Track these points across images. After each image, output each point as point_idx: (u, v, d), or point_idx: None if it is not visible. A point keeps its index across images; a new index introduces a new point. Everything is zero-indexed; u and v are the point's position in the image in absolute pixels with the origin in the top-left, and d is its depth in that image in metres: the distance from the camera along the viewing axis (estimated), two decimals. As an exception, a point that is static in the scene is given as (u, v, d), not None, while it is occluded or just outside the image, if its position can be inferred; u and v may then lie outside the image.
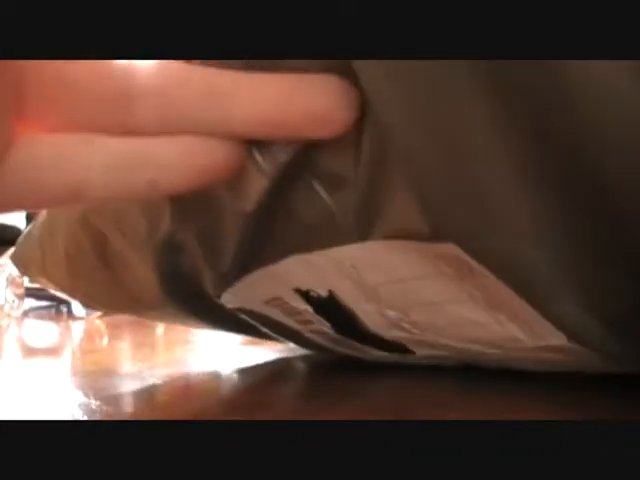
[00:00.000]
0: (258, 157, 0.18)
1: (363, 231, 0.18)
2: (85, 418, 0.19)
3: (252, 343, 0.34)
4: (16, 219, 0.73)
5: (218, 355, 0.32)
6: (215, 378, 0.27)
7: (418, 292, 0.19)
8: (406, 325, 0.21)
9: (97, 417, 0.19)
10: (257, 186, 0.18)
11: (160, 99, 0.16)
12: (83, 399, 0.21)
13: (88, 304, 0.31)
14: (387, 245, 0.18)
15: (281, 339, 0.27)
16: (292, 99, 0.16)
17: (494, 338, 0.19)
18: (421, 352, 0.21)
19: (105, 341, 0.41)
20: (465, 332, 0.20)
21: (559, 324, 0.16)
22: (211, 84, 0.16)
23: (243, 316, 0.25)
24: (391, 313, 0.20)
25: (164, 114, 0.16)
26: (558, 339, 0.17)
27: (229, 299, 0.23)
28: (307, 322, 0.23)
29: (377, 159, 0.17)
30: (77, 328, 0.49)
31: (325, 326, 0.22)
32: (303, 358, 0.27)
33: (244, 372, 0.29)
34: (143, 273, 0.24)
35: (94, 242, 0.25)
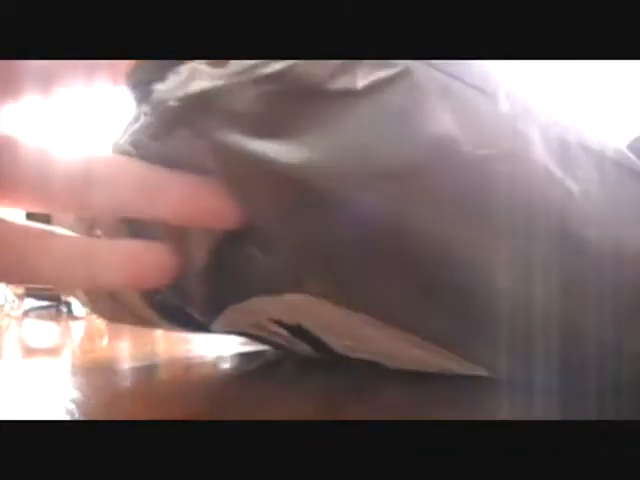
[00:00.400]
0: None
1: (295, 286, 0.21)
2: (85, 418, 0.19)
3: (252, 343, 0.34)
4: (15, 217, 0.73)
5: (218, 355, 0.32)
6: (215, 378, 0.27)
7: (356, 331, 0.21)
8: (361, 351, 0.23)
9: (96, 417, 0.19)
10: (205, 247, 0.21)
11: (107, 189, 0.19)
12: (83, 399, 0.21)
13: (100, 316, 0.32)
14: (314, 300, 0.21)
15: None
16: (197, 198, 0.19)
17: (430, 365, 0.22)
18: (388, 366, 0.23)
19: (105, 341, 0.41)
20: (403, 358, 0.22)
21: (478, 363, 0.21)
22: (145, 181, 0.19)
23: (237, 334, 0.27)
24: (347, 342, 0.23)
25: (109, 200, 0.19)
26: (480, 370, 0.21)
27: (218, 328, 0.25)
28: (290, 341, 0.25)
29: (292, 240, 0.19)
30: (77, 328, 0.49)
31: (304, 345, 0.25)
32: (305, 358, 0.27)
33: (244, 372, 0.28)
34: (140, 303, 0.26)
35: None
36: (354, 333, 0.22)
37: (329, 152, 0.17)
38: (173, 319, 0.26)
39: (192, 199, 0.19)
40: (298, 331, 0.23)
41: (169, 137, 0.19)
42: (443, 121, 0.17)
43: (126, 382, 0.26)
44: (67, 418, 0.19)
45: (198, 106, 0.18)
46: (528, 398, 0.19)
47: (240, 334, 0.27)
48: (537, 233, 0.18)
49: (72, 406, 0.20)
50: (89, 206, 0.19)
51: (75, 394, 0.22)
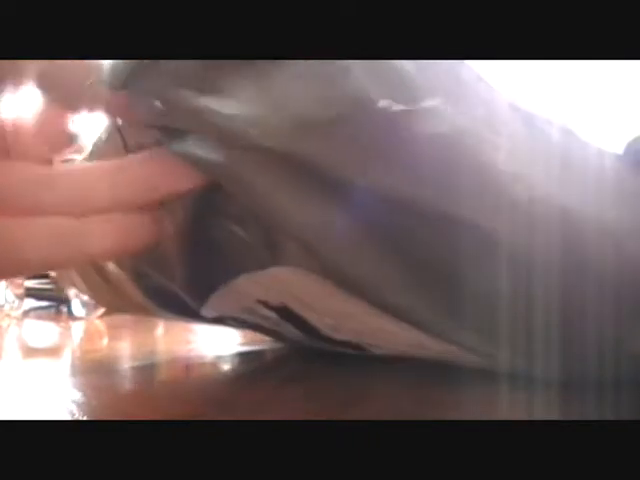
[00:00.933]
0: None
1: (273, 259, 0.21)
2: (84, 418, 0.19)
3: (252, 343, 0.34)
4: None
5: (218, 356, 0.32)
6: (215, 379, 0.27)
7: (335, 305, 0.22)
8: (344, 330, 0.23)
9: (96, 417, 0.19)
10: (182, 225, 0.22)
11: (67, 188, 0.20)
12: (83, 399, 0.21)
13: (100, 304, 0.33)
14: (298, 272, 0.21)
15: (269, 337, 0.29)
16: (154, 168, 0.20)
17: (406, 343, 0.22)
18: (373, 351, 0.24)
19: (105, 341, 0.41)
20: (384, 336, 0.22)
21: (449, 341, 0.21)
22: (98, 176, 0.20)
23: (229, 321, 0.27)
24: (329, 321, 0.23)
25: (70, 197, 0.20)
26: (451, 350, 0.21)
27: (208, 312, 0.26)
28: (279, 324, 0.25)
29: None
30: (77, 328, 0.49)
31: (292, 328, 0.25)
32: (304, 359, 0.27)
33: (244, 372, 0.29)
34: (135, 291, 0.26)
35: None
36: (335, 309, 0.22)
37: (262, 107, 0.18)
38: (167, 306, 0.27)
39: (150, 171, 0.20)
40: (284, 312, 0.24)
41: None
42: (359, 79, 0.18)
43: (126, 382, 0.26)
44: (67, 418, 0.19)
45: (144, 69, 0.19)
46: (527, 398, 0.19)
47: (231, 321, 0.27)
48: (462, 185, 0.18)
49: (73, 406, 0.20)
50: (53, 204, 0.20)
51: (75, 394, 0.22)
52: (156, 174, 0.20)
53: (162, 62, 0.19)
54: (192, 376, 0.28)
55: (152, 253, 0.22)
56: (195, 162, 0.19)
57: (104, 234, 0.20)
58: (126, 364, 0.31)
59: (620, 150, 0.22)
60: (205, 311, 0.25)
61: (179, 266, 0.23)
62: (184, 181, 0.20)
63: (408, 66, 0.18)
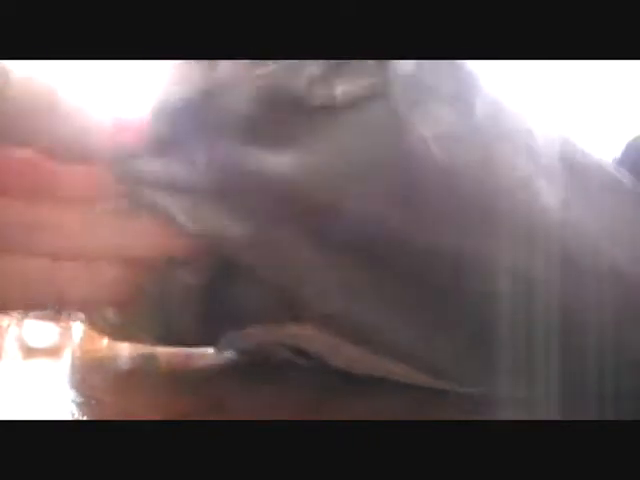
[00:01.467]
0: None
1: (289, 315, 0.22)
2: (84, 418, 0.19)
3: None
4: None
5: (218, 355, 0.32)
6: (215, 378, 0.27)
7: (353, 356, 0.22)
8: (363, 369, 0.24)
9: (96, 417, 0.19)
10: (196, 280, 0.22)
11: (59, 236, 0.19)
12: (82, 399, 0.21)
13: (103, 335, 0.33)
14: (313, 329, 0.22)
15: None
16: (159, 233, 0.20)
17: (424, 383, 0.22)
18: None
19: (105, 341, 0.41)
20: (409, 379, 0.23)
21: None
22: (107, 226, 0.20)
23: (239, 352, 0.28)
24: (348, 363, 0.23)
25: (61, 245, 0.19)
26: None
27: (220, 349, 0.27)
28: (291, 357, 0.26)
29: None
30: (77, 328, 0.49)
31: (305, 360, 0.25)
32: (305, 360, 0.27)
33: (244, 373, 0.28)
34: (143, 335, 0.27)
35: None
36: (352, 358, 0.23)
37: (319, 162, 0.18)
38: (173, 343, 0.28)
39: (158, 231, 0.20)
40: (299, 351, 0.24)
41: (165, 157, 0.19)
42: (418, 132, 0.18)
43: (126, 382, 0.26)
44: (67, 418, 0.19)
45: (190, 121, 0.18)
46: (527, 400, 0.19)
47: (242, 353, 0.28)
48: (503, 233, 0.18)
49: (72, 406, 0.20)
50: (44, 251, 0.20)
51: (75, 394, 0.22)
52: (163, 235, 0.20)
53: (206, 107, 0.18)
54: (192, 376, 0.28)
55: (164, 308, 0.23)
56: (213, 238, 0.19)
57: (82, 281, 0.20)
58: (126, 364, 0.31)
59: (619, 150, 0.22)
60: (217, 348, 0.26)
61: (194, 320, 0.23)
62: (190, 248, 0.20)
63: (463, 119, 0.18)
